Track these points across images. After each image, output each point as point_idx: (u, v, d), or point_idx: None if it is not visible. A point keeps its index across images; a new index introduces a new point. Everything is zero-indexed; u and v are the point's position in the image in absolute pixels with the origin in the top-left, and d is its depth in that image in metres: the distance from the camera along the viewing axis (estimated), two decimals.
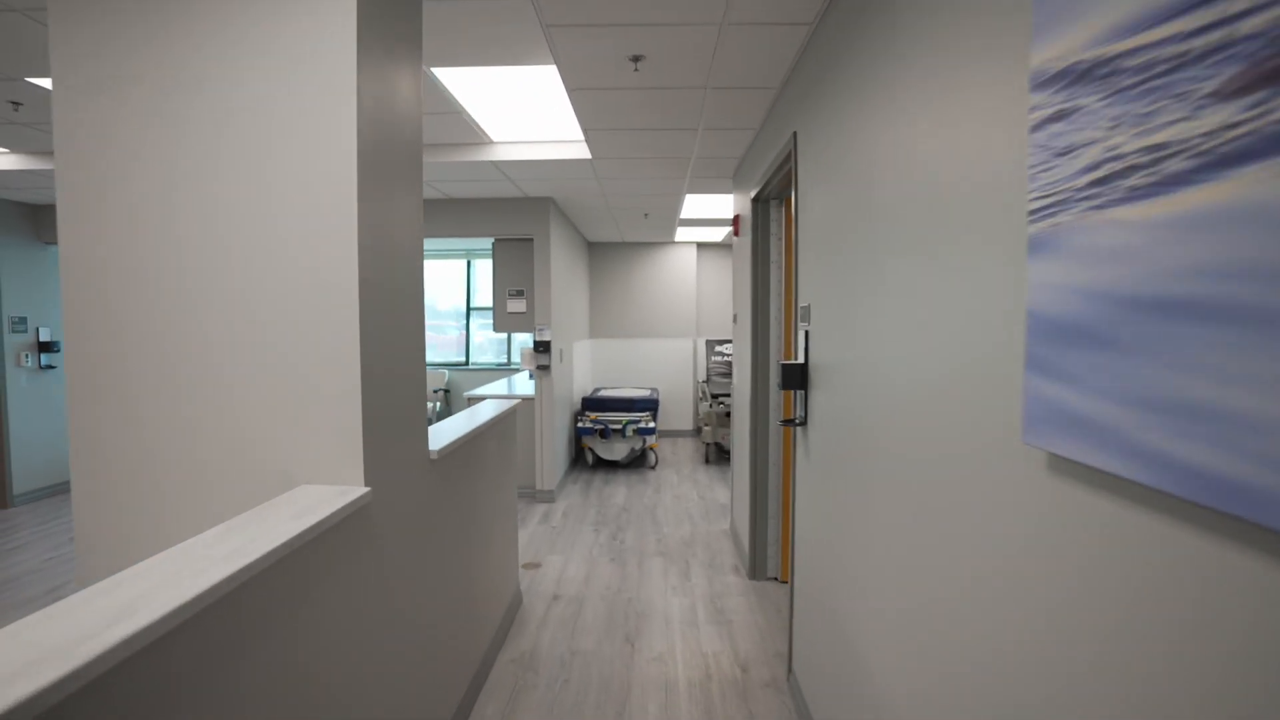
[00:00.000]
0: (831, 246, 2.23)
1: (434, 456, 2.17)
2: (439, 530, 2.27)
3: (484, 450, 2.95)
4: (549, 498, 5.66)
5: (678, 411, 8.82)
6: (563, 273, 6.23)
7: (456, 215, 5.53)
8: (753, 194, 3.78)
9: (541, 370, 5.51)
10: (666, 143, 3.94)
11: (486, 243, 7.39)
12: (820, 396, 2.35)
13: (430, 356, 9.59)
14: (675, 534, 4.85)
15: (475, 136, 4.04)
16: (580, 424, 6.69)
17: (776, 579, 3.94)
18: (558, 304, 5.85)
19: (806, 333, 2.52)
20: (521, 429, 5.73)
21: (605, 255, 8.69)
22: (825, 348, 2.31)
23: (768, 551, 3.95)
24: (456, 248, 8.87)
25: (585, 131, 3.71)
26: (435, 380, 8.81)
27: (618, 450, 6.72)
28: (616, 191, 5.32)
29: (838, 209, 2.14)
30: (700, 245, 8.83)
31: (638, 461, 7.19)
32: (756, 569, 3.97)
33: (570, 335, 6.80)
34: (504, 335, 8.97)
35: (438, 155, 4.21)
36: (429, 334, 11.36)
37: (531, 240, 5.60)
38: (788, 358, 3.69)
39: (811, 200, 2.48)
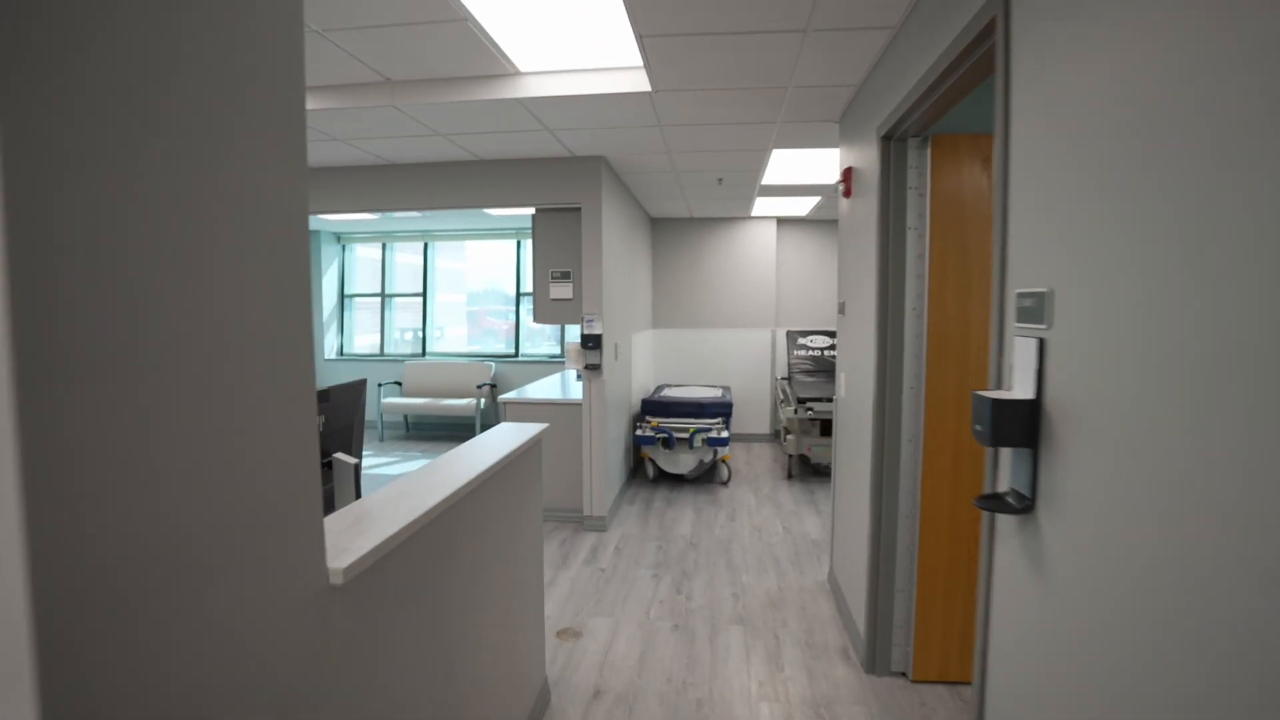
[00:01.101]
0: (1132, 173, 1.08)
1: (339, 579, 1.15)
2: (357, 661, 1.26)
3: (482, 512, 1.93)
4: (599, 525, 4.65)
5: (753, 412, 7.68)
6: (618, 251, 5.17)
7: (488, 180, 4.54)
8: (882, 130, 2.62)
9: (590, 371, 4.49)
10: (755, 61, 2.81)
11: None
12: (1086, 463, 1.21)
13: (476, 346, 8.73)
14: (757, 586, 3.75)
15: (496, 65, 3.00)
16: (639, 431, 5.64)
17: (906, 676, 2.80)
18: (611, 289, 4.80)
19: (1042, 342, 1.37)
20: (567, 441, 4.73)
21: (670, 233, 7.59)
22: (1103, 372, 1.16)
23: (893, 636, 2.81)
24: (506, 226, 7.94)
25: (642, 42, 2.61)
26: (481, 374, 7.93)
27: (683, 463, 5.66)
28: (684, 146, 4.21)
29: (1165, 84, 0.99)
30: (781, 221, 7.61)
31: (706, 475, 6.11)
32: (876, 658, 2.83)
33: (628, 326, 5.75)
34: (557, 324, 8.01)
35: (447, 93, 3.19)
36: (473, 320, 10.55)
37: (579, 210, 4.55)
38: (977, 384, 2.53)
39: (1069, 89, 1.32)
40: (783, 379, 7.50)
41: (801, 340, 7.21)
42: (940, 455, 2.63)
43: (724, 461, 5.89)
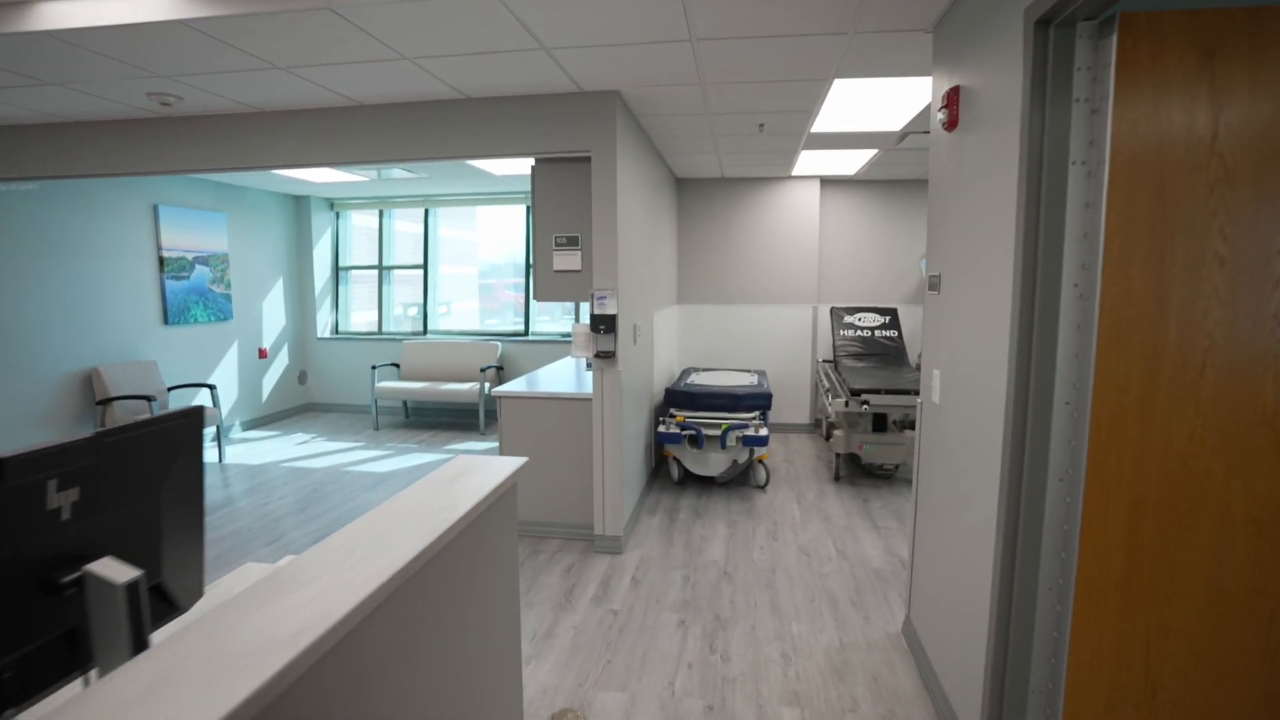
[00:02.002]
0: None
1: None
2: None
3: (412, 620, 1.12)
4: (613, 546, 3.84)
5: (791, 400, 6.80)
6: (637, 213, 4.29)
7: (476, 123, 3.67)
8: (1038, 9, 1.71)
9: (603, 360, 3.64)
10: None
11: None
12: None
13: (493, 322, 7.93)
14: (813, 641, 2.93)
15: None
16: (662, 427, 4.81)
17: None
18: (629, 258, 3.94)
19: None
20: (575, 445, 3.91)
21: (699, 196, 6.67)
22: None
23: None
24: (515, 190, 7.07)
25: None
26: (486, 355, 7.14)
27: (714, 464, 4.82)
28: (721, 73, 3.30)
29: None
30: (825, 181, 6.65)
31: (740, 478, 5.27)
32: None
33: (649, 303, 4.88)
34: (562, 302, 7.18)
35: None
36: (487, 294, 9.75)
37: (588, 159, 3.68)
38: (1180, 403, 1.66)
39: None
40: (825, 362, 6.61)
41: (848, 319, 6.29)
42: (1113, 504, 1.76)
43: (761, 462, 5.05)
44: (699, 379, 5.51)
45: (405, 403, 7.52)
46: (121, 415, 5.32)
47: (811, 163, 5.77)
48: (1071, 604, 1.83)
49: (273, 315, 7.28)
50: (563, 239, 3.75)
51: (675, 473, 5.03)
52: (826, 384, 5.78)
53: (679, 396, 4.94)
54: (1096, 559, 1.79)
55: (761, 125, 4.30)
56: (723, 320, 6.78)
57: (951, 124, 2.39)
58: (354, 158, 3.81)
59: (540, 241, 3.79)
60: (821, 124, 4.27)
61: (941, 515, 2.52)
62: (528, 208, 7.44)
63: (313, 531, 4.15)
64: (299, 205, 7.59)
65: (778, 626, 3.05)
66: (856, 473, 5.39)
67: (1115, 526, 1.76)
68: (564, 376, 4.56)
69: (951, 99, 2.37)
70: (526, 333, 7.53)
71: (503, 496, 1.74)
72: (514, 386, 4.09)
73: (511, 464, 1.75)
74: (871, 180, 6.60)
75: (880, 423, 5.16)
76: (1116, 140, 1.65)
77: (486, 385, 6.82)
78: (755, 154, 5.33)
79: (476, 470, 1.71)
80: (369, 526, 1.37)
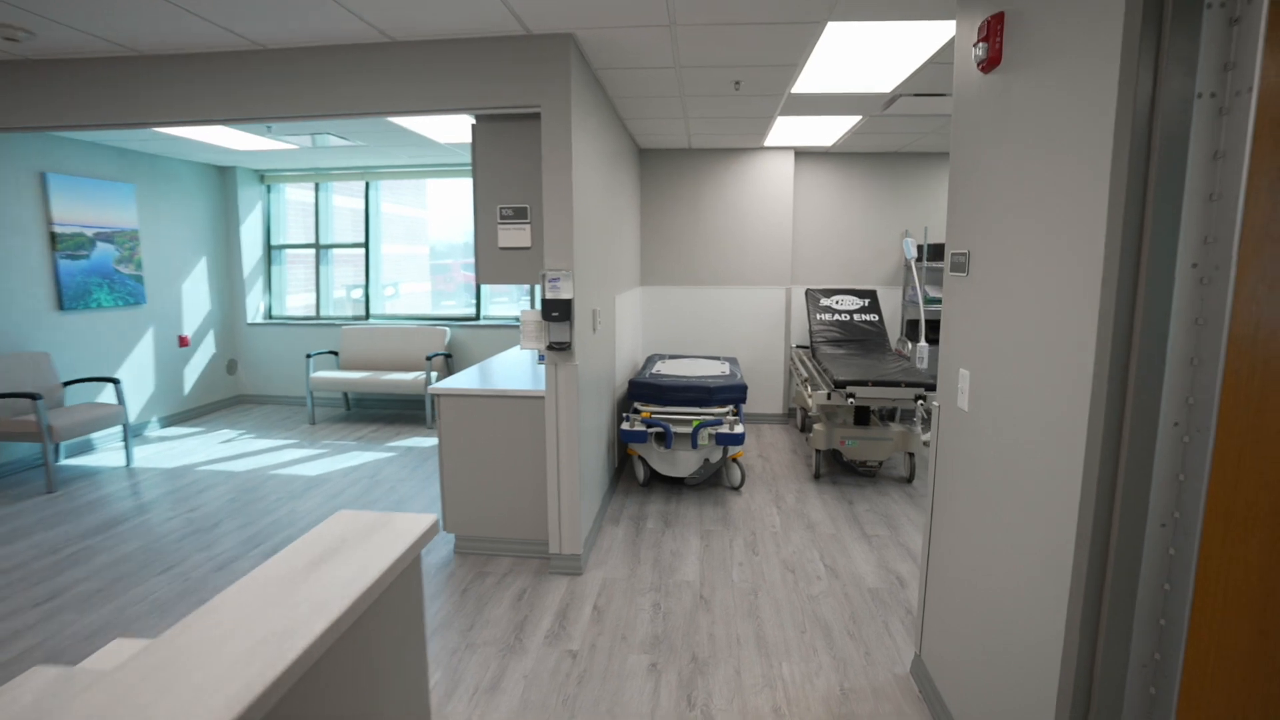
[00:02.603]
0: None
1: None
2: None
3: None
4: (572, 567, 3.34)
5: (763, 389, 6.36)
6: (596, 183, 3.74)
7: (405, 71, 3.07)
8: None
9: (557, 352, 3.11)
10: None
11: None
12: None
13: (449, 305, 7.29)
14: (808, 688, 2.48)
15: None
16: (626, 424, 4.31)
17: None
18: (586, 234, 3.40)
19: None
20: (526, 450, 3.38)
21: (664, 168, 6.13)
22: None
23: None
24: (464, 161, 6.43)
25: None
26: (433, 341, 6.53)
27: (683, 464, 4.35)
28: (695, 13, 2.77)
29: None
30: (800, 154, 6.17)
31: (712, 478, 4.81)
32: None
33: (610, 285, 4.36)
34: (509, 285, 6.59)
35: None
36: (442, 276, 9.09)
37: (538, 116, 3.12)
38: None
39: None
40: (800, 348, 6.18)
41: (825, 301, 5.86)
42: (1238, 563, 1.31)
43: (735, 460, 4.59)
44: (666, 368, 5.01)
45: (346, 395, 6.87)
46: (1, 416, 4.61)
47: (786, 132, 5.28)
48: (1178, 688, 1.39)
49: (195, 299, 6.54)
50: (509, 211, 3.19)
51: (641, 474, 4.54)
52: (804, 373, 5.35)
53: (645, 389, 4.44)
54: (1214, 631, 1.35)
55: (738, 83, 3.78)
56: (690, 303, 6.29)
57: (991, 62, 1.90)
58: (254, 113, 3.17)
59: (483, 214, 3.22)
60: (805, 83, 3.77)
61: (968, 541, 2.07)
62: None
63: (218, 556, 3.55)
64: (224, 177, 6.82)
65: (766, 669, 2.59)
66: (837, 470, 4.98)
67: (1242, 592, 1.31)
68: (518, 367, 4.02)
69: (993, 30, 1.88)
70: (478, 317, 6.93)
71: (399, 580, 1.21)
72: (457, 381, 3.53)
73: (414, 528, 1.23)
74: (849, 153, 6.14)
75: (863, 415, 4.74)
76: (1270, 64, 1.18)
77: (433, 375, 6.21)
78: (727, 120, 4.81)
79: (359, 543, 1.18)
80: (124, 684, 0.83)
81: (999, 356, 1.89)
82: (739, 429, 4.22)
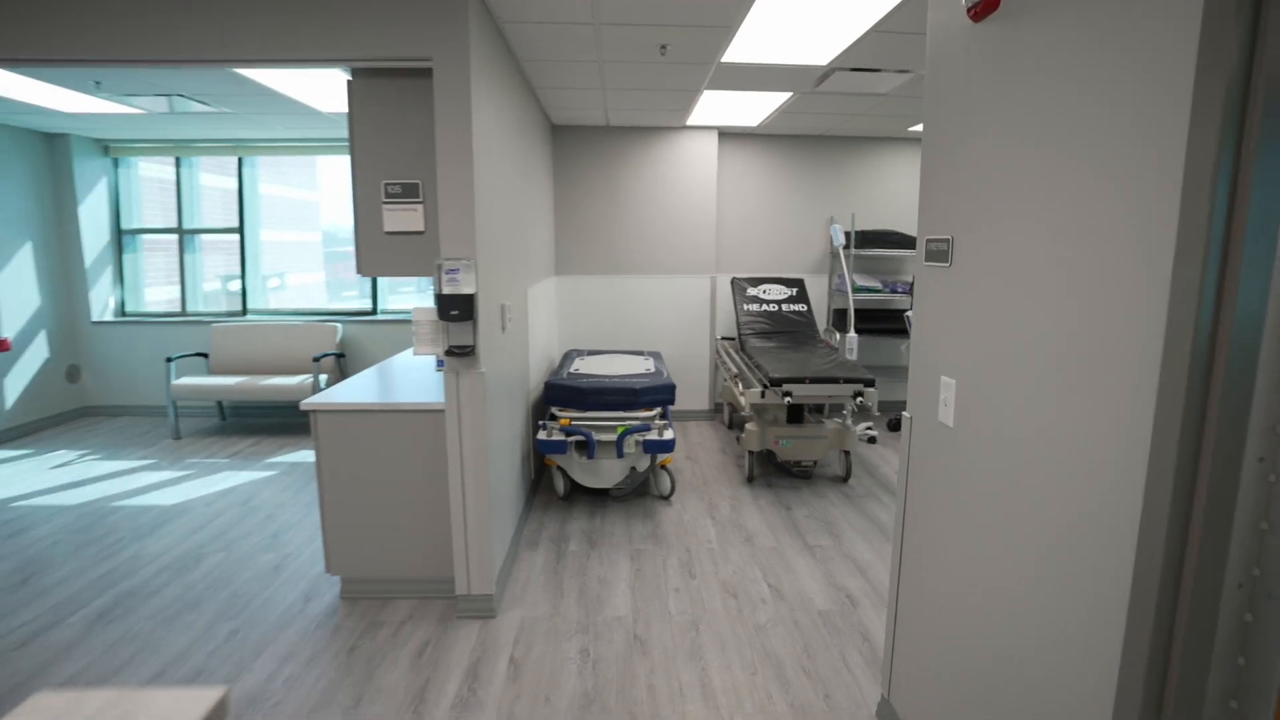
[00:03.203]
0: None
1: None
2: None
3: None
4: (484, 608, 2.85)
5: (689, 384, 6.01)
6: (503, 155, 3.23)
7: (265, 10, 2.45)
8: None
9: (459, 357, 2.59)
10: None
11: None
12: None
13: (324, 299, 6.53)
14: None
15: None
16: (543, 432, 3.83)
17: None
18: (493, 217, 2.89)
19: None
20: (425, 472, 2.85)
21: (579, 147, 5.63)
22: None
23: None
24: None
25: None
26: (323, 340, 5.80)
27: (607, 474, 3.92)
28: None
29: None
30: (724, 134, 5.81)
31: (640, 488, 4.40)
32: None
33: (522, 276, 3.85)
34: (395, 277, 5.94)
35: None
36: (324, 264, 8.25)
37: (429, 72, 2.58)
38: None
39: None
40: (725, 340, 5.86)
41: (752, 291, 5.55)
42: None
43: (664, 467, 4.20)
44: (586, 366, 4.55)
45: (220, 404, 6.02)
46: None
47: (711, 111, 4.90)
48: None
49: (17, 293, 5.52)
50: (396, 188, 2.63)
51: (561, 486, 4.07)
52: (733, 368, 5.01)
53: (562, 392, 3.96)
54: None
55: (664, 48, 3.34)
56: (609, 294, 5.84)
57: (987, 6, 1.54)
58: (41, 53, 2.46)
59: (363, 191, 2.65)
60: (737, 51, 3.38)
61: (953, 576, 1.74)
62: None
63: (20, 628, 2.84)
64: (52, 146, 5.78)
65: None
66: (771, 471, 4.68)
67: None
68: (420, 370, 3.46)
69: None
70: (375, 311, 6.23)
71: None
72: (339, 393, 2.94)
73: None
74: (775, 134, 5.84)
75: (796, 413, 4.45)
76: None
77: (323, 378, 5.51)
78: (649, 93, 4.37)
79: None
80: None
81: (998, 364, 1.55)
82: (668, 434, 3.83)
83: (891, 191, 6.02)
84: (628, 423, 3.87)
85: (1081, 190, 1.27)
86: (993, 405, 1.58)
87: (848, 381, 3.98)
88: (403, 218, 2.63)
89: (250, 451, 5.14)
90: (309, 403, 2.77)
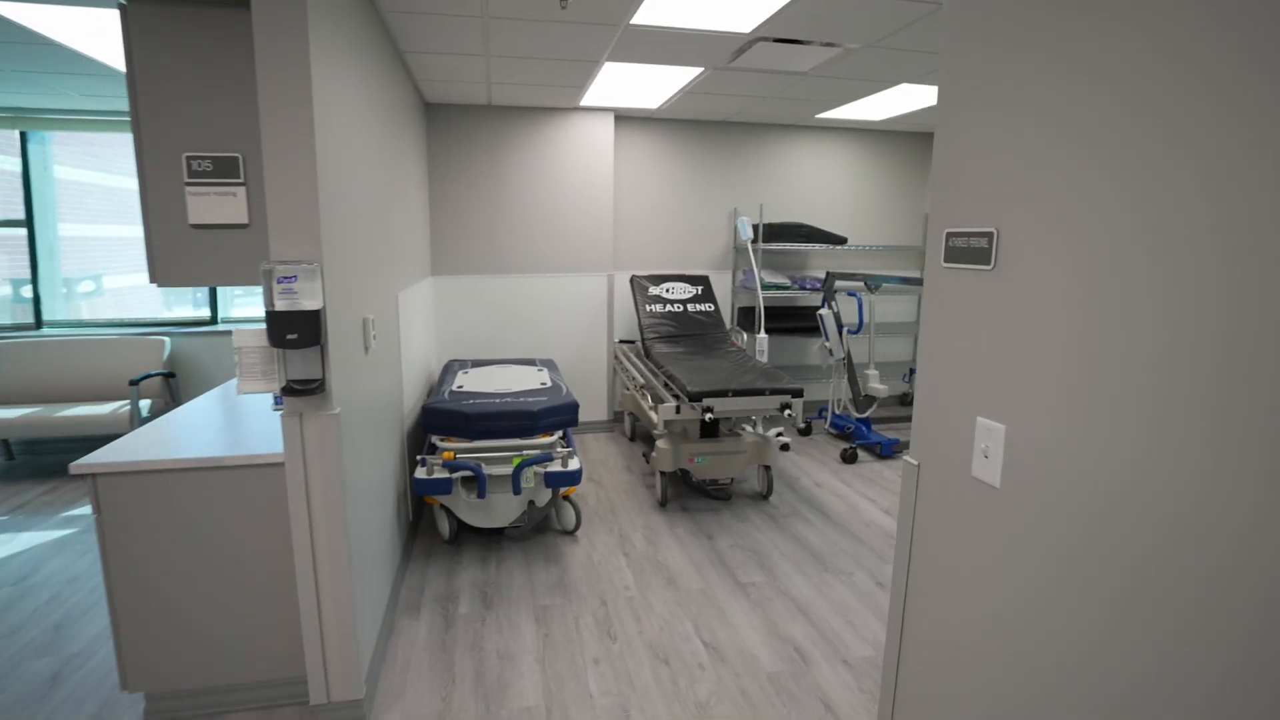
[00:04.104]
0: None
1: None
2: None
3: None
4: (351, 715, 2.18)
5: (585, 392, 5.46)
6: (361, 129, 2.54)
7: None
8: None
9: (302, 395, 1.90)
10: None
11: None
12: None
13: (144, 308, 5.39)
14: None
15: None
16: (422, 470, 3.17)
17: None
18: (346, 205, 2.21)
19: None
20: (264, 542, 2.13)
21: (457, 129, 4.92)
22: None
23: None
24: None
25: None
26: (146, 358, 4.77)
27: (501, 513, 3.31)
28: None
29: None
30: (621, 118, 5.29)
31: (540, 524, 3.81)
32: None
33: (390, 280, 3.16)
34: (200, 287, 5.01)
35: None
36: (145, 264, 7.02)
37: (245, 5, 1.87)
38: None
39: None
40: (624, 343, 5.37)
41: (654, 290, 5.08)
42: None
43: (567, 498, 3.63)
44: (470, 382, 3.89)
45: (6, 441, 4.82)
46: None
47: (608, 89, 4.37)
48: None
49: None
50: (204, 164, 1.90)
51: (446, 528, 3.42)
52: (638, 378, 4.52)
53: (444, 418, 3.30)
54: None
55: (564, 1, 2.76)
56: (495, 296, 5.18)
57: None
58: None
59: (154, 168, 1.90)
60: (651, 10, 2.86)
61: (992, 675, 1.31)
62: None
63: None
64: None
65: None
66: (685, 492, 4.23)
67: None
68: (247, 412, 2.70)
69: None
70: (215, 320, 5.23)
71: None
72: (151, 436, 2.16)
73: None
74: (675, 119, 5.39)
75: (712, 427, 4.03)
76: None
77: (146, 405, 4.49)
78: (541, 63, 3.77)
79: None
80: None
81: (1077, 406, 1.12)
82: (574, 464, 3.27)
83: (797, 182, 5.74)
84: (525, 452, 3.28)
85: (1239, 168, 0.84)
86: (1067, 461, 1.16)
87: (774, 393, 3.59)
88: (216, 205, 1.91)
89: (41, 503, 4.08)
90: (84, 464, 1.98)
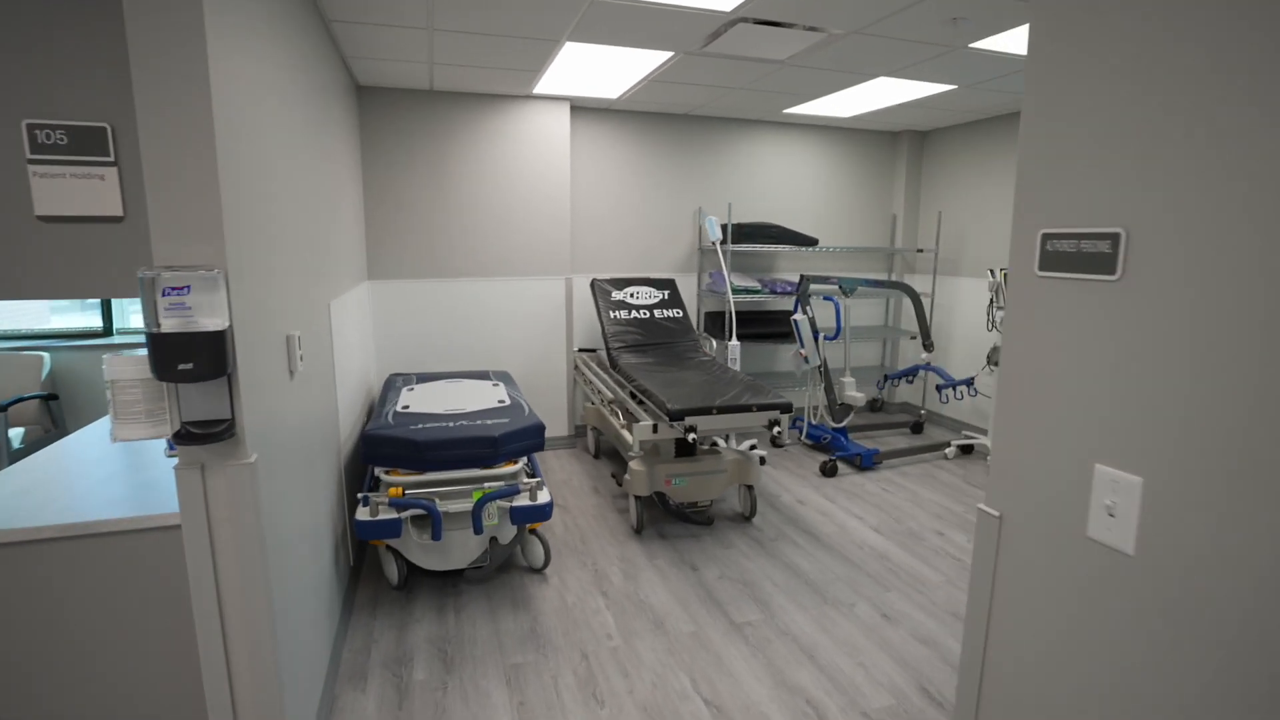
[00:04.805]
0: None
1: None
2: None
3: None
4: None
5: (543, 407, 5.03)
6: (277, 100, 2.07)
7: None
8: None
9: (200, 442, 1.44)
10: None
11: None
12: None
13: (21, 317, 4.68)
14: None
15: None
16: (364, 510, 2.70)
17: None
18: (248, 184, 1.75)
19: None
20: (166, 612, 1.66)
21: (395, 116, 4.43)
22: None
23: None
24: None
25: None
26: (17, 376, 4.11)
27: (459, 554, 2.88)
28: None
29: None
30: (577, 109, 4.89)
31: (502, 565, 3.36)
32: None
33: (323, 286, 2.69)
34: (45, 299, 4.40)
35: None
36: None
37: None
38: None
39: None
40: (583, 351, 4.98)
41: (617, 295, 4.70)
42: None
43: (534, 532, 3.21)
44: (418, 401, 3.42)
45: None
46: None
47: (564, 76, 3.97)
48: None
49: None
50: (57, 135, 1.42)
51: (394, 573, 2.95)
52: (607, 393, 4.12)
53: (391, 446, 2.83)
54: None
55: None
56: (440, 302, 4.70)
57: None
58: None
59: None
60: None
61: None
62: None
63: None
64: None
65: None
66: (660, 515, 3.86)
67: None
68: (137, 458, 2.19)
69: None
70: (110, 332, 4.58)
71: None
72: (8, 485, 1.66)
73: None
74: (635, 111, 5.02)
75: (685, 447, 3.68)
76: None
77: (17, 434, 3.84)
78: (493, 41, 3.34)
79: None
80: None
81: (1258, 460, 0.80)
82: (544, 496, 2.86)
83: (764, 181, 5.45)
84: (486, 485, 2.84)
85: None
86: (1233, 527, 0.84)
87: (762, 408, 3.25)
88: (75, 191, 1.43)
89: None
90: None
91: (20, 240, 1.41)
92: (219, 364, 1.38)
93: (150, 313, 1.32)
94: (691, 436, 3.14)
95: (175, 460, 1.50)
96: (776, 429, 3.27)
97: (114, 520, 1.56)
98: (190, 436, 1.40)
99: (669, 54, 3.50)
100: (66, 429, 4.28)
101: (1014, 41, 3.30)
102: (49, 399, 4.12)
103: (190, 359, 1.34)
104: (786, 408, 3.31)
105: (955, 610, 2.91)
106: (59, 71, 1.41)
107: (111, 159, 1.44)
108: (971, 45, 3.35)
